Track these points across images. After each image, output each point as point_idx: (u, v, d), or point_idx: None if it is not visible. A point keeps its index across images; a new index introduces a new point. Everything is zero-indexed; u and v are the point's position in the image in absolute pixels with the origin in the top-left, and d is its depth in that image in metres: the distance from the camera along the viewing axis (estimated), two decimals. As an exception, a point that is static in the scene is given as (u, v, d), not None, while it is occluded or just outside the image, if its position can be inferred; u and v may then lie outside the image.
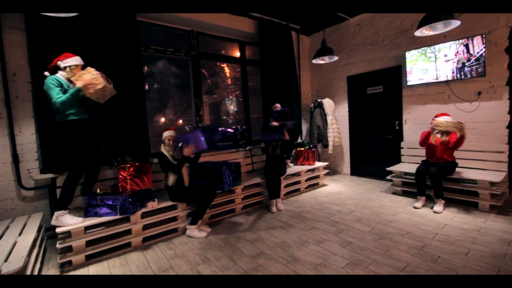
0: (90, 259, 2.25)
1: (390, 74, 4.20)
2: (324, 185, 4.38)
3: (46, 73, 2.22)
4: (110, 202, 2.32)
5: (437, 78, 3.55)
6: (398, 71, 4.05)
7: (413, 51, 3.73)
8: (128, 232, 2.44)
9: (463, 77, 3.34)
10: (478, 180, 2.89)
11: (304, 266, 2.02)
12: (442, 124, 2.98)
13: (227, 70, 4.83)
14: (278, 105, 4.14)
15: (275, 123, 3.62)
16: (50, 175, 2.64)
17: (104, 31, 2.94)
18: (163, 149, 2.61)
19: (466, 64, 3.28)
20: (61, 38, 2.63)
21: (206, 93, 4.57)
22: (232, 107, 4.94)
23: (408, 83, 3.85)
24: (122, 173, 2.37)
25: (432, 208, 2.99)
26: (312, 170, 4.22)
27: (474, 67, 3.23)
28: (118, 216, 2.33)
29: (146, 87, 3.83)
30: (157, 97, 3.96)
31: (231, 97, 4.94)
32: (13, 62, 2.58)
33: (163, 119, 4.08)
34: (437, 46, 3.50)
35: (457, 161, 3.13)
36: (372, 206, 3.25)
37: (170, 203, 2.67)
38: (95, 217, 2.30)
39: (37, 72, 2.50)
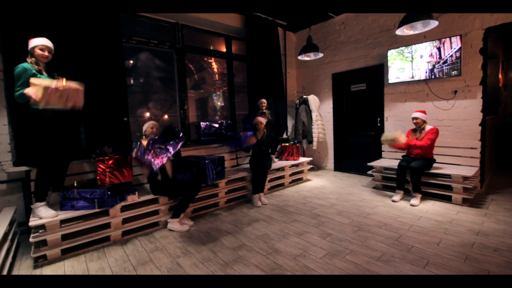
0: (67, 253, 2.19)
1: (373, 73, 4.30)
2: (308, 180, 4.45)
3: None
4: (88, 195, 2.26)
5: (412, 77, 3.69)
6: (380, 69, 4.16)
7: (392, 50, 3.84)
8: (107, 225, 2.39)
9: (436, 76, 3.47)
10: (452, 174, 3.03)
11: (284, 257, 2.05)
12: (387, 138, 3.29)
13: (214, 65, 4.79)
14: (264, 101, 4.15)
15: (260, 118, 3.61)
16: (24, 168, 2.53)
17: (82, 19, 2.83)
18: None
19: (439, 64, 3.43)
20: (35, 24, 2.52)
21: (192, 88, 4.52)
22: (219, 103, 4.91)
23: (389, 81, 3.96)
24: (100, 165, 2.31)
25: (409, 201, 3.10)
26: (296, 165, 4.28)
27: (448, 67, 3.36)
28: (96, 210, 2.27)
29: (131, 81, 3.75)
30: (141, 90, 3.88)
31: (218, 92, 4.91)
32: (-17, 49, 2.45)
33: (147, 114, 4.00)
34: (414, 46, 3.62)
35: (434, 157, 3.26)
36: (353, 200, 3.34)
37: (151, 196, 2.63)
38: (72, 210, 2.23)
39: (9, 60, 2.39)
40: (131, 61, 3.68)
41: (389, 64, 3.91)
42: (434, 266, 1.86)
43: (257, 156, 3.53)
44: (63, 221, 2.19)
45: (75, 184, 2.34)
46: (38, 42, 2.13)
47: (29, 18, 2.50)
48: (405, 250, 2.10)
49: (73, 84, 2.10)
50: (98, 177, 2.32)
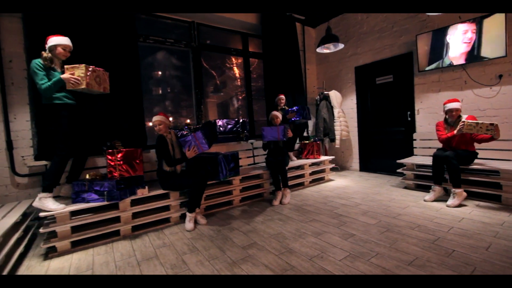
0: (77, 245, 2.17)
1: (400, 62, 3.95)
2: (330, 180, 4.14)
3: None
4: (97, 188, 2.24)
5: (450, 63, 3.28)
6: (409, 58, 3.80)
7: (424, 35, 3.47)
8: (117, 219, 2.34)
9: (476, 57, 3.05)
10: (501, 170, 2.59)
11: (298, 258, 1.83)
12: (472, 128, 2.55)
13: (236, 70, 4.73)
14: (282, 96, 3.97)
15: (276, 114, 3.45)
16: (44, 162, 2.62)
17: (100, 20, 2.92)
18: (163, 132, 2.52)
19: (478, 46, 3.00)
20: (56, 26, 2.62)
21: (213, 92, 4.51)
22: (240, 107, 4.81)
23: (419, 70, 3.58)
24: (110, 158, 2.28)
25: (447, 201, 2.70)
26: (317, 164, 4.00)
27: (490, 48, 2.94)
28: (105, 203, 2.24)
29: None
30: (157, 89, 3.91)
31: (240, 97, 4.82)
32: (9, 49, 2.59)
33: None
34: (449, 29, 3.23)
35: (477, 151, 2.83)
36: (381, 200, 3.00)
37: (162, 191, 2.56)
38: (83, 203, 2.22)
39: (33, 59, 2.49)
40: (147, 59, 3.73)
41: (420, 50, 3.53)
42: (482, 273, 1.52)
43: (273, 153, 3.34)
44: (73, 213, 2.18)
45: (87, 177, 2.34)
46: (62, 41, 2.21)
47: (50, 20, 2.61)
48: (444, 254, 1.77)
49: (102, 70, 2.33)
50: (108, 170, 2.29)
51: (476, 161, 2.89)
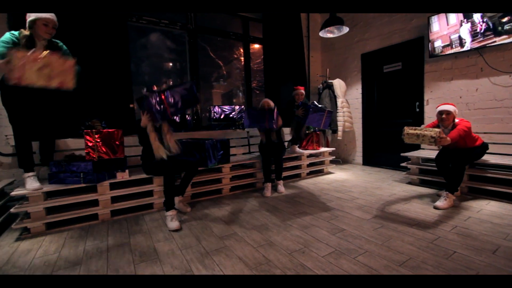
0: (52, 227, 2.08)
1: (410, 48, 3.64)
2: (329, 172, 3.93)
3: None
4: (74, 169, 2.13)
5: (462, 46, 2.97)
6: (420, 43, 3.49)
7: (438, 16, 3.15)
8: (96, 203, 2.24)
9: (492, 43, 2.73)
10: (517, 166, 2.32)
11: (277, 252, 1.66)
12: (414, 138, 2.23)
13: (243, 60, 4.52)
14: (302, 91, 3.52)
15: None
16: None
17: None
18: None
19: (498, 26, 2.68)
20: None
21: (218, 81, 4.35)
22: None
23: (431, 55, 3.28)
24: (88, 138, 2.17)
25: (456, 201, 2.44)
26: (316, 155, 3.79)
27: (510, 29, 2.62)
28: (82, 185, 2.14)
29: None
30: (150, 71, 3.77)
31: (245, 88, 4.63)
32: (-7, 24, 2.50)
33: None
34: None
35: (490, 147, 2.50)
36: (380, 195, 2.78)
37: (144, 176, 2.44)
38: (59, 184, 2.13)
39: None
40: (140, 40, 3.59)
41: (433, 33, 3.20)
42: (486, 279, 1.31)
43: (267, 142, 3.14)
44: (50, 194, 2.09)
45: (65, 158, 2.24)
46: (43, 15, 1.89)
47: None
48: (442, 256, 1.56)
49: (59, 57, 1.80)
50: (85, 151, 2.18)
51: (487, 156, 2.61)
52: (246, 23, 4.29)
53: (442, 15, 3.12)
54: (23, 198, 2.10)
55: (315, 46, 4.89)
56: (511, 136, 2.73)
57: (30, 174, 2.06)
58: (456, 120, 2.36)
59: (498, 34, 2.70)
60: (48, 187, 2.07)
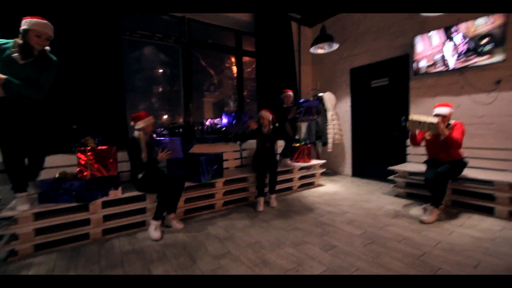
0: (41, 249, 2.04)
1: (396, 65, 3.81)
2: (320, 185, 4.01)
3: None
4: (66, 187, 2.11)
5: (446, 66, 3.15)
6: (405, 60, 3.66)
7: (421, 36, 3.33)
8: (87, 222, 2.21)
9: (473, 63, 2.91)
10: (495, 181, 2.45)
11: (272, 271, 1.70)
12: (416, 125, 2.43)
13: (235, 70, 4.59)
14: (290, 93, 3.68)
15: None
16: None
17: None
18: (141, 136, 2.34)
19: (476, 49, 2.87)
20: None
21: (209, 91, 4.40)
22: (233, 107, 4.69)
23: (416, 73, 3.45)
24: (80, 156, 2.15)
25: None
26: (307, 168, 3.87)
27: (489, 49, 2.80)
28: (73, 204, 2.11)
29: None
30: (144, 85, 3.78)
31: (236, 97, 4.69)
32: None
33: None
34: (448, 31, 3.10)
35: (468, 159, 2.66)
36: (369, 208, 2.87)
37: (137, 193, 2.43)
38: (50, 204, 2.09)
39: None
40: (134, 54, 3.61)
41: (417, 52, 3.38)
42: (468, 297, 1.39)
43: (261, 154, 3.19)
44: (38, 214, 2.05)
45: (57, 175, 2.21)
46: (35, 26, 1.79)
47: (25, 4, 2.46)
48: (428, 272, 1.64)
49: None
50: (78, 169, 2.16)
51: (469, 169, 2.76)
52: (239, 37, 4.38)
53: (425, 35, 3.30)
54: (10, 219, 2.05)
55: (306, 60, 5.03)
56: (488, 151, 2.89)
57: (22, 194, 2.01)
58: (452, 121, 2.51)
59: (479, 54, 2.88)
60: (38, 208, 2.03)
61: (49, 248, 2.06)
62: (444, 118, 2.49)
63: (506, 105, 2.82)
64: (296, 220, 2.59)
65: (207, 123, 3.82)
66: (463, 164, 2.56)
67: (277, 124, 3.26)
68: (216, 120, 3.81)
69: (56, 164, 2.47)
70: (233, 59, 4.44)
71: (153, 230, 2.21)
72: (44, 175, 2.34)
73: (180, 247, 2.09)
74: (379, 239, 2.12)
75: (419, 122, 2.43)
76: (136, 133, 2.34)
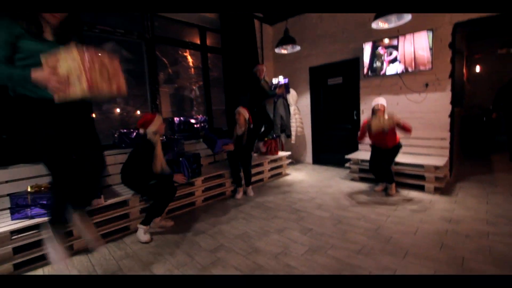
0: (21, 267, 1.93)
1: (349, 66, 4.33)
2: (287, 174, 4.41)
3: None
4: (44, 201, 2.01)
5: (385, 72, 3.76)
6: (356, 63, 4.19)
7: (368, 44, 3.87)
8: (69, 233, 2.15)
9: (409, 70, 3.56)
10: (425, 164, 3.13)
11: (265, 256, 1.97)
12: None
13: (190, 59, 4.55)
14: (262, 68, 4.14)
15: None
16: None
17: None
18: (158, 141, 2.31)
19: (412, 58, 3.51)
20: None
21: (166, 82, 4.27)
22: (195, 95, 4.69)
23: (365, 75, 4.01)
24: (58, 167, 2.05)
25: (385, 191, 3.17)
26: (275, 160, 4.21)
27: (420, 61, 3.46)
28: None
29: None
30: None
31: (194, 87, 4.68)
32: None
33: (117, 110, 3.72)
34: (386, 40, 3.69)
35: (406, 148, 3.34)
36: (332, 193, 3.34)
37: (119, 199, 2.41)
38: (26, 219, 1.97)
39: None
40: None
41: (365, 57, 3.93)
42: (413, 256, 1.88)
43: (234, 152, 3.39)
44: (14, 232, 1.92)
45: (29, 189, 2.07)
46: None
47: None
48: (384, 241, 2.11)
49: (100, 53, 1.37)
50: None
51: (406, 155, 3.43)
52: (204, 33, 4.37)
53: (371, 44, 3.83)
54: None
55: (268, 57, 5.28)
56: (419, 140, 3.62)
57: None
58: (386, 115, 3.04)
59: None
60: (14, 224, 1.91)
61: (31, 265, 1.97)
62: (383, 108, 3.10)
63: (432, 103, 3.53)
64: (274, 210, 2.90)
65: (177, 120, 3.82)
66: (400, 146, 3.20)
67: (251, 126, 3.46)
68: (188, 119, 3.84)
69: (24, 176, 2.29)
70: (187, 51, 4.40)
71: (142, 234, 2.27)
72: (10, 188, 2.16)
73: (173, 246, 2.21)
74: (344, 219, 2.57)
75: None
76: (152, 137, 2.30)
